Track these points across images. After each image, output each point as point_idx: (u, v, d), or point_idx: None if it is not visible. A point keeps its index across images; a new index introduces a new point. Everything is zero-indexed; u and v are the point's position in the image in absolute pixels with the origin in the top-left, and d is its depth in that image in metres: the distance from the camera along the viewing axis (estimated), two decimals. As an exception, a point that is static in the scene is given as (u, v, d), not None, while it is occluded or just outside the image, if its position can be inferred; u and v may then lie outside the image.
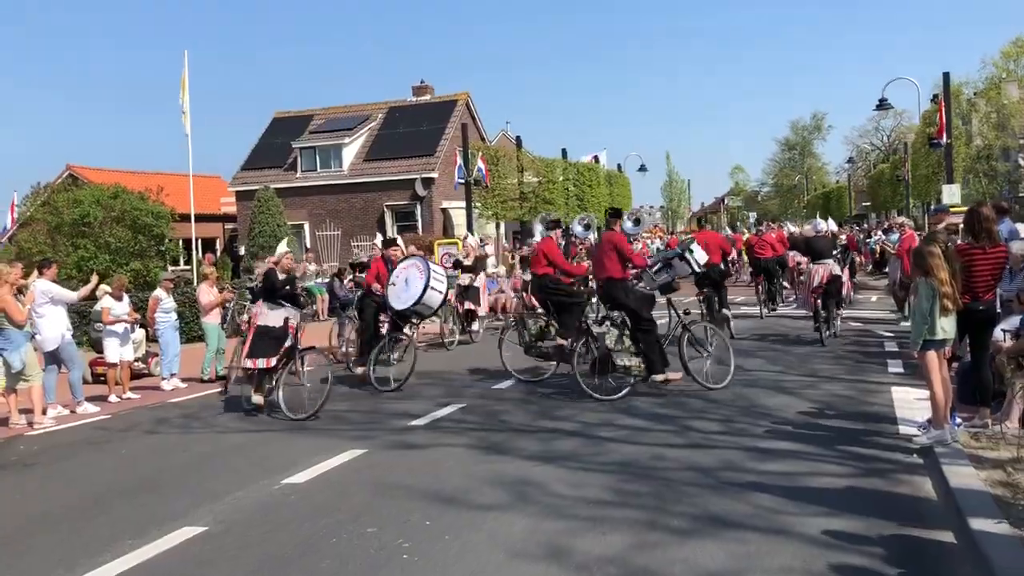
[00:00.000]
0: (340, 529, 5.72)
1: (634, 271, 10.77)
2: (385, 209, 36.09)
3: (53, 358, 11.48)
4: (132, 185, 25.50)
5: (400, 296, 11.74)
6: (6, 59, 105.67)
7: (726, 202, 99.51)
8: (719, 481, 6.43)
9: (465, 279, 16.67)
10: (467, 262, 17.09)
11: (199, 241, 40.48)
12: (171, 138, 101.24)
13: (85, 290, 12.25)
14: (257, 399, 10.36)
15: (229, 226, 40.89)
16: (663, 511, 5.79)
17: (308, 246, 36.72)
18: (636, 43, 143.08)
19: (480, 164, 23.81)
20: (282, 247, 11.92)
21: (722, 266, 15.89)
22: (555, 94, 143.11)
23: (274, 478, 7.12)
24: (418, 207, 35.74)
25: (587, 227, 18.26)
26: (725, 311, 14.68)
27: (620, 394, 9.92)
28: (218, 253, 40.59)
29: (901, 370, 11.12)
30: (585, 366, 10.30)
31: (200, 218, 37.87)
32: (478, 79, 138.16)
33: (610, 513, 5.79)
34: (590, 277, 12.79)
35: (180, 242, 32.96)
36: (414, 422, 9.24)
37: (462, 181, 24.18)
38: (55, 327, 11.29)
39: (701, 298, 14.83)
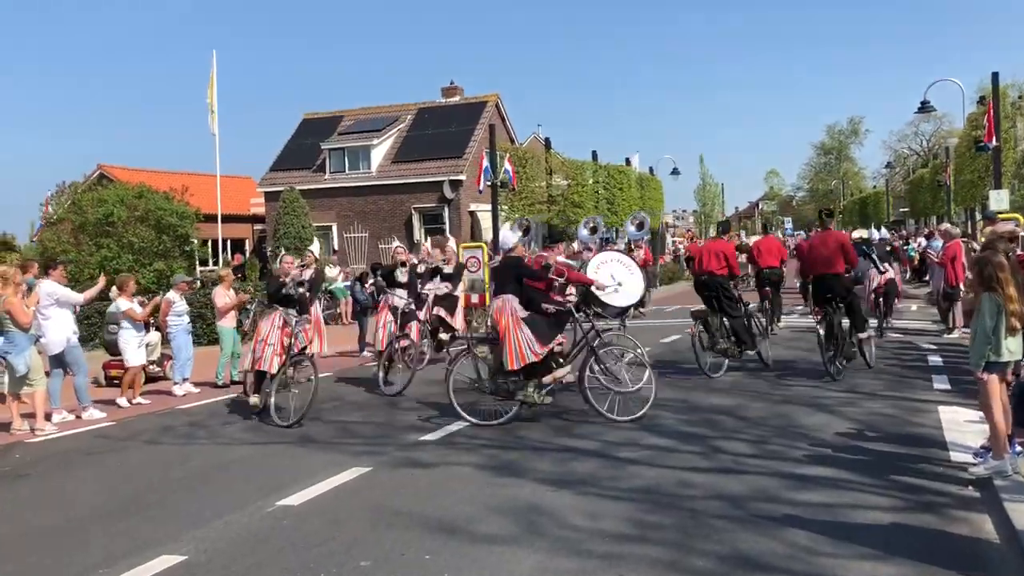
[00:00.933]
0: (330, 561, 5.20)
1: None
2: (413, 211, 35.66)
3: (58, 362, 11.11)
4: (161, 185, 25.25)
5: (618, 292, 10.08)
6: (42, 58, 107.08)
7: (760, 207, 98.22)
8: (750, 513, 5.83)
9: (443, 288, 13.88)
10: (447, 268, 14.19)
11: (229, 242, 40.84)
12: (202, 139, 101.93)
13: (91, 292, 11.88)
14: (254, 400, 10.28)
15: (258, 227, 40.77)
16: (687, 548, 5.20)
17: (336, 248, 36.48)
18: (670, 45, 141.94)
19: (507, 166, 23.27)
20: (298, 254, 11.54)
21: (782, 270, 16.96)
22: (587, 98, 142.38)
23: (269, 499, 6.63)
24: (446, 210, 35.26)
25: (640, 226, 17.93)
26: (863, 334, 12.08)
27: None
28: (247, 254, 40.53)
29: (947, 386, 10.41)
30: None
31: (229, 219, 38.03)
32: (509, 82, 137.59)
33: (629, 550, 5.21)
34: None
35: (209, 243, 32.84)
36: (425, 436, 8.72)
37: (488, 183, 23.68)
38: (61, 330, 10.93)
39: (765, 299, 15.15)
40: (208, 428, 9.94)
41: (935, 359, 12.79)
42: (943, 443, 7.59)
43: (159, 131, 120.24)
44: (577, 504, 6.17)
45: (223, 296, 13.51)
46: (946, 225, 17.83)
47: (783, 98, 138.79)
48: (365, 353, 16.94)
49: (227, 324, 13.46)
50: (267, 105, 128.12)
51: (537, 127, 40.62)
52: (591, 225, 19.38)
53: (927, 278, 29.97)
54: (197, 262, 25.78)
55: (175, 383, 12.95)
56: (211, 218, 28.53)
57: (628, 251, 21.46)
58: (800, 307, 20.81)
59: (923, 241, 32.63)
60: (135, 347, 12.14)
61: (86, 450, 9.09)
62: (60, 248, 22.47)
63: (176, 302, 13.06)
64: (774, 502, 6.07)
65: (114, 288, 12.69)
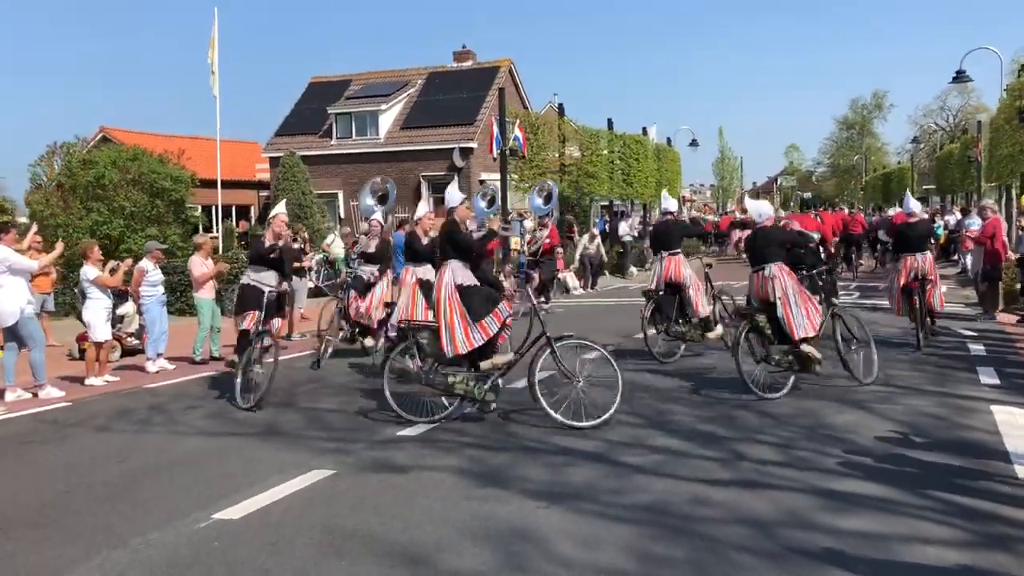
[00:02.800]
0: (257, 604, 4.18)
1: None
2: (421, 180, 34.55)
3: (12, 335, 10.12)
4: (163, 149, 24.23)
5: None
6: (48, 19, 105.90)
7: (779, 182, 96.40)
8: (780, 545, 4.76)
9: (367, 272, 11.59)
10: (371, 249, 11.80)
11: (234, 209, 39.82)
12: (208, 102, 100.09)
13: (46, 258, 10.88)
14: (233, 359, 9.56)
15: (264, 194, 39.75)
16: (704, 597, 4.15)
17: (342, 216, 35.43)
18: (690, 14, 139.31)
19: (517, 132, 22.05)
20: (279, 208, 10.47)
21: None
22: (604, 66, 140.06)
23: (207, 509, 5.61)
24: (455, 179, 34.11)
25: (491, 202, 15.81)
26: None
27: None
28: (252, 220, 39.54)
29: (995, 380, 9.28)
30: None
31: (233, 184, 37.05)
32: (524, 49, 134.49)
33: (629, 596, 4.17)
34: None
35: (212, 209, 31.88)
36: (404, 431, 7.66)
37: (499, 150, 22.52)
38: (14, 300, 9.91)
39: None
40: (167, 413, 8.92)
41: (976, 348, 11.63)
42: (1004, 453, 6.49)
43: (165, 94, 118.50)
44: (570, 527, 5.11)
45: (200, 265, 12.50)
46: (987, 201, 16.55)
47: (805, 71, 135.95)
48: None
49: (205, 295, 12.46)
50: (276, 68, 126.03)
51: (553, 96, 39.06)
52: (544, 193, 17.75)
53: (955, 257, 28.73)
54: (192, 228, 24.67)
55: (148, 359, 11.97)
56: (212, 183, 27.62)
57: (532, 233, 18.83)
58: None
59: (952, 219, 31.31)
60: (103, 320, 11.14)
61: (23, 437, 8.09)
62: (48, 211, 21.53)
63: (149, 271, 12.05)
64: (809, 530, 5.00)
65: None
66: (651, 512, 5.34)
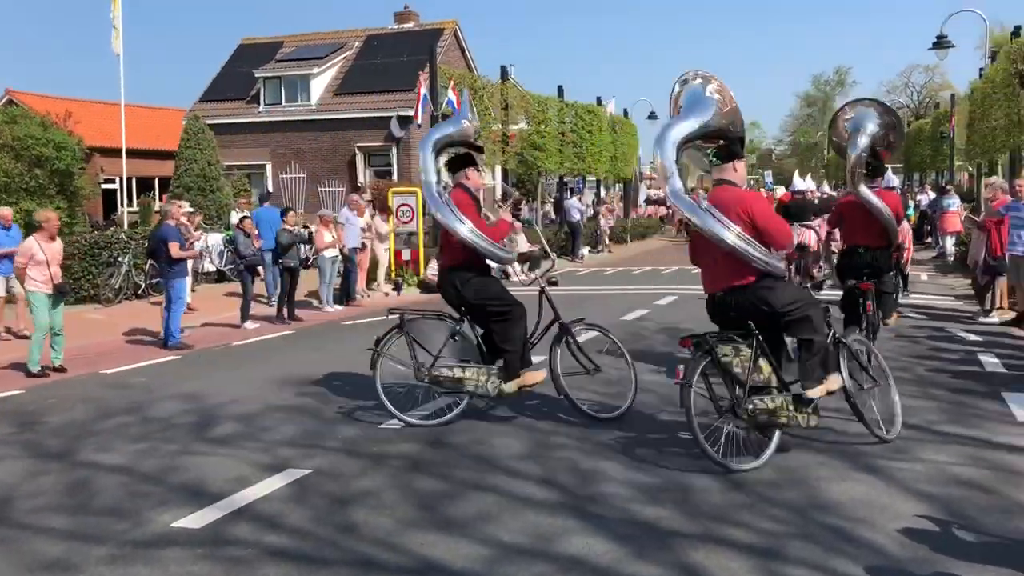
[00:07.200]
0: None
1: None
2: (357, 151, 31.75)
3: None
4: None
5: None
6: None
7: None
8: None
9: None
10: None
11: (157, 181, 36.59)
12: (138, 67, 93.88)
13: None
14: None
15: (186, 165, 36.59)
16: None
17: (270, 190, 32.55)
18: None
19: (451, 95, 19.40)
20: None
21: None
22: (562, 37, 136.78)
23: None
24: (394, 150, 31.40)
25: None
26: None
27: None
28: (157, 194, 36.19)
29: (1035, 414, 6.97)
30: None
31: (149, 154, 33.92)
32: (472, 12, 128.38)
33: None
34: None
35: (125, 181, 28.77)
36: (385, 424, 5.14)
37: (429, 115, 19.92)
38: None
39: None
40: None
41: (990, 360, 9.35)
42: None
43: (80, 56, 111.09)
44: None
45: (34, 248, 9.86)
46: (996, 178, 14.28)
47: (766, 45, 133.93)
48: (248, 325, 13.35)
49: (37, 288, 9.79)
50: (206, 31, 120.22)
51: (510, 67, 35.16)
52: None
53: (928, 240, 26.72)
54: (84, 203, 21.74)
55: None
56: (131, 152, 24.60)
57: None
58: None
59: (924, 199, 29.33)
60: None
61: None
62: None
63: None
64: None
65: None
66: None
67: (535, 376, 6.87)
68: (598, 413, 7.00)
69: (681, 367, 5.69)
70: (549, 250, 7.65)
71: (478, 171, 7.36)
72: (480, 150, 7.81)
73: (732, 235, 5.64)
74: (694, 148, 6.31)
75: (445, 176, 7.74)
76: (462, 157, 7.35)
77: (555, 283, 7.58)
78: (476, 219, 6.90)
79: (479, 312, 6.90)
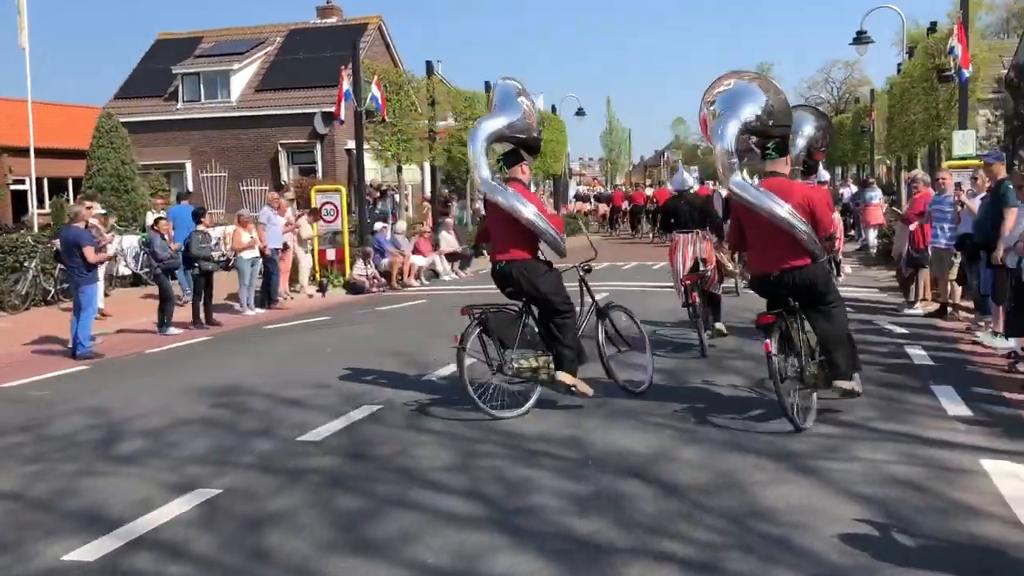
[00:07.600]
0: None
1: None
2: (279, 148, 31.03)
3: None
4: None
5: None
6: None
7: (667, 156, 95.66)
8: None
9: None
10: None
11: (70, 181, 35.16)
12: (48, 63, 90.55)
13: None
14: None
15: (101, 165, 35.26)
16: None
17: (190, 190, 31.57)
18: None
19: (375, 91, 18.98)
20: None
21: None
22: (489, 32, 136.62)
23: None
24: (318, 147, 30.78)
25: None
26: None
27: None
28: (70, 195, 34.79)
29: (965, 410, 6.90)
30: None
31: (61, 154, 32.54)
32: (399, 12, 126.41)
33: None
34: None
35: (35, 181, 27.53)
36: (307, 436, 4.71)
37: (351, 111, 19.47)
38: None
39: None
40: None
41: (918, 352, 9.38)
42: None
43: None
44: None
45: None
46: (918, 171, 14.46)
47: (692, 40, 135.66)
48: (171, 331, 12.74)
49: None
50: (122, 26, 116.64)
51: (436, 63, 34.42)
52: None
53: (852, 233, 27.19)
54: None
55: None
56: (46, 152, 23.46)
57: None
58: None
59: (847, 192, 29.86)
60: None
61: None
62: None
63: None
64: None
65: None
66: None
67: (586, 388, 6.99)
68: (634, 388, 7.48)
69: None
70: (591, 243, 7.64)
71: (528, 166, 7.33)
72: (536, 146, 7.52)
73: (784, 211, 6.28)
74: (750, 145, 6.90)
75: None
76: (516, 152, 7.25)
77: (589, 270, 7.73)
78: (539, 206, 6.97)
79: (545, 305, 6.93)
